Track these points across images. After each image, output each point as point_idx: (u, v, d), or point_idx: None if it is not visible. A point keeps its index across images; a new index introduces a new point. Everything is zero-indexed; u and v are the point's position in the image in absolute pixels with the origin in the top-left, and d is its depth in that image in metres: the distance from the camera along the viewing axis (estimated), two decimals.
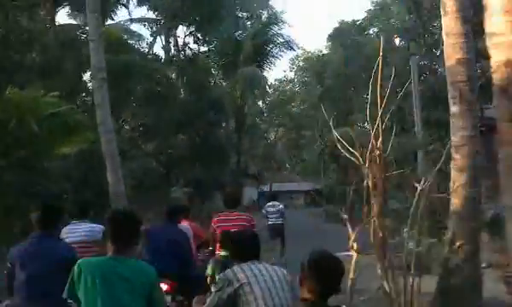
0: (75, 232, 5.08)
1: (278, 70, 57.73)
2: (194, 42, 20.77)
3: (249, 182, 39.94)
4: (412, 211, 5.26)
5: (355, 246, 5.05)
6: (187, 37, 20.34)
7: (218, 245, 5.33)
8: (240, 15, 24.57)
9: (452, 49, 6.46)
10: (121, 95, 15.05)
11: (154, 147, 18.56)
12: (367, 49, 27.75)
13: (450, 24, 6.44)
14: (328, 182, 29.41)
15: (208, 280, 4.87)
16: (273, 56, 24.46)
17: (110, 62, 11.69)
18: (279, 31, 24.36)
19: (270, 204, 11.18)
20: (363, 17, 29.22)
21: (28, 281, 3.48)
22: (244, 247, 3.38)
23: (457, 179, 6.39)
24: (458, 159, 6.41)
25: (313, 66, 33.38)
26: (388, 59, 29.82)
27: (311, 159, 38.76)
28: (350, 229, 5.28)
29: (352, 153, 5.61)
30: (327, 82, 29.85)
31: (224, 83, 24.30)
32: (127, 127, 17.03)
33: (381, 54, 5.67)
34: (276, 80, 45.61)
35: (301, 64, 44.98)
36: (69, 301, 2.76)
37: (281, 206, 11.01)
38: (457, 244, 6.35)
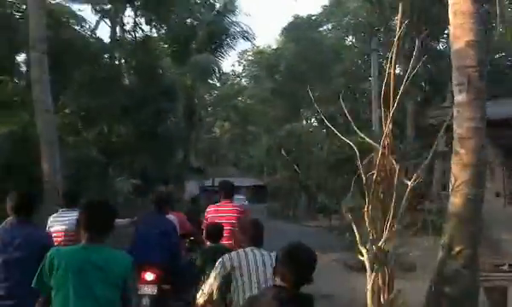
0: (62, 220, 5.03)
1: (226, 64, 57.03)
2: (147, 22, 19.17)
3: (192, 177, 38.61)
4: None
5: None
6: (138, 18, 18.71)
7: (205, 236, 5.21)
8: (193, 1, 23.21)
9: (461, 30, 5.76)
10: (61, 76, 13.51)
11: (96, 135, 16.89)
12: (321, 45, 27.53)
13: (458, 1, 5.77)
14: (274, 179, 28.80)
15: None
16: (228, 46, 23.36)
17: (49, 40, 10.41)
18: (235, 21, 23.33)
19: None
20: (318, 12, 28.92)
21: (2, 268, 3.43)
22: (246, 235, 3.63)
23: (460, 176, 5.73)
24: (463, 154, 5.74)
25: (266, 60, 32.54)
26: (343, 55, 29.87)
27: (257, 154, 38.07)
28: None
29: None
30: (279, 76, 29.18)
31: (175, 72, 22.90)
32: (66, 111, 15.27)
33: None
34: (223, 74, 44.46)
35: (250, 58, 44.30)
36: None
37: (245, 201, 9.99)
38: (456, 249, 5.76)
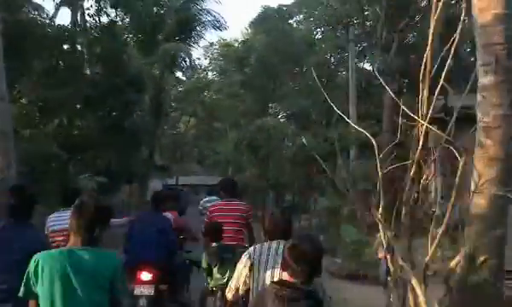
0: (61, 219, 4.92)
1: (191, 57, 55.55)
2: (112, 5, 17.76)
3: (156, 175, 37.23)
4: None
5: None
6: (102, 1, 17.27)
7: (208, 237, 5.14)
8: None
9: (487, 1, 5.11)
10: (18, 62, 12.24)
11: (56, 128, 15.52)
12: (292, 36, 26.81)
13: None
14: (241, 177, 27.86)
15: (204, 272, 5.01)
16: (198, 35, 22.22)
17: (5, 22, 9.29)
18: (205, 8, 22.21)
19: (206, 199, 10.60)
20: (290, 3, 28.03)
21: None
22: (272, 228, 3.61)
23: (485, 173, 5.04)
24: (489, 146, 5.07)
25: (234, 53, 31.50)
26: (317, 47, 29.27)
27: (224, 150, 37.05)
28: None
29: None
30: (249, 69, 28.26)
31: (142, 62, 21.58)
32: (23, 101, 13.89)
33: None
34: (192, 66, 43.06)
35: (217, 51, 43.12)
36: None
37: (218, 200, 9.58)
38: (481, 259, 5.11)
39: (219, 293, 4.80)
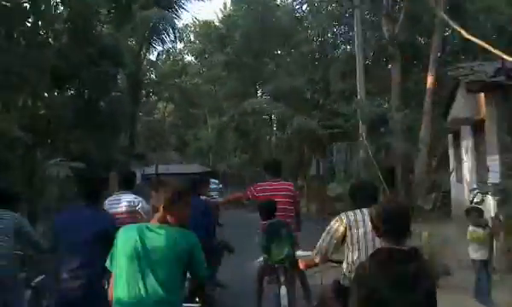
0: (118, 203, 5.24)
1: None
2: None
3: (135, 163, 34.82)
4: None
5: None
6: None
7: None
8: None
9: None
10: None
11: (19, 109, 13.08)
12: (277, 10, 24.86)
13: None
14: (228, 164, 25.87)
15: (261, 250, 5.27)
16: (179, 5, 19.75)
17: None
18: None
19: None
20: None
21: (68, 250, 3.56)
22: (359, 197, 3.77)
23: None
24: None
25: (216, 30, 29.08)
26: (307, 23, 27.36)
27: (205, 137, 34.90)
28: None
29: None
30: (232, 48, 26.03)
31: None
32: None
33: None
34: (162, 52, 40.44)
35: (193, 32, 40.68)
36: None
37: (219, 185, 10.82)
38: None
39: (282, 268, 5.10)
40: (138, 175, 32.56)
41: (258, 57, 26.42)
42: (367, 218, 3.28)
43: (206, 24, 33.93)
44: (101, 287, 3.55)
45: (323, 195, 21.17)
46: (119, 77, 19.63)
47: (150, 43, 16.88)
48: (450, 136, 14.25)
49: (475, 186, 7.44)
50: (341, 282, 3.63)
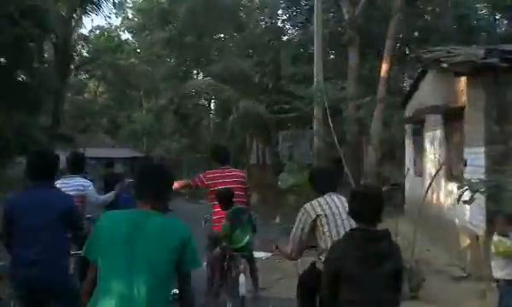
0: (68, 186, 4.91)
1: (100, 15, 48.68)
2: None
3: (59, 146, 31.82)
4: None
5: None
6: None
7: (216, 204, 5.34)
8: None
9: None
10: None
11: None
12: None
13: None
14: (169, 148, 23.98)
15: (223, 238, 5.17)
16: None
17: None
18: None
19: None
20: None
21: (27, 232, 3.37)
22: (322, 181, 3.88)
23: None
24: None
25: (158, 5, 26.70)
26: (256, 3, 25.96)
27: (140, 120, 32.56)
28: None
29: None
30: (174, 26, 24.03)
31: None
32: None
33: None
34: (96, 28, 37.39)
35: (131, 10, 37.97)
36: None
37: None
38: None
39: (240, 256, 5.13)
40: (63, 158, 29.86)
41: (202, 37, 24.66)
42: (336, 203, 3.65)
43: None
44: (66, 272, 3.59)
45: (266, 185, 20.22)
46: (45, 47, 17.24)
47: (83, 8, 14.50)
48: (408, 127, 13.55)
49: (465, 182, 6.45)
50: (316, 266, 3.74)
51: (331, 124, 10.58)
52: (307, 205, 3.71)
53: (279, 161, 20.46)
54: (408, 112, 12.98)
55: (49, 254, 3.36)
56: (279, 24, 24.36)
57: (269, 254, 8.51)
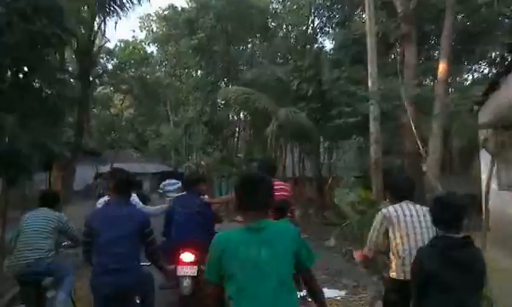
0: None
1: (124, 28, 48.09)
2: None
3: (85, 161, 30.63)
4: None
5: None
6: None
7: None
8: None
9: None
10: None
11: None
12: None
13: None
14: (200, 161, 22.40)
15: None
16: None
17: None
18: None
19: (166, 182, 9.97)
20: None
21: (109, 244, 3.62)
22: (398, 189, 3.91)
23: None
24: None
25: (185, 13, 25.18)
26: (289, 2, 24.39)
27: (169, 134, 31.25)
28: None
29: None
30: (203, 33, 22.55)
31: None
32: None
33: None
34: (121, 41, 36.39)
35: (155, 23, 37.02)
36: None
37: (179, 183, 10.28)
38: None
39: None
40: (90, 173, 28.59)
41: (231, 44, 23.19)
42: (410, 210, 3.71)
43: (173, 8, 30.04)
44: (144, 279, 3.94)
45: (307, 200, 18.46)
46: (65, 55, 15.91)
47: (106, 8, 12.99)
48: (484, 132, 11.54)
49: None
50: (385, 274, 3.92)
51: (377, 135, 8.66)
52: (384, 210, 3.81)
53: (320, 174, 18.62)
54: (484, 116, 11.05)
55: (128, 263, 3.66)
56: (309, 30, 22.82)
57: (342, 293, 6.80)
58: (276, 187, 5.19)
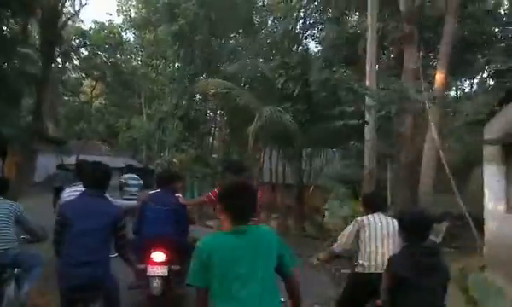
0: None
1: (101, 12, 45.36)
2: None
3: (48, 149, 28.51)
4: None
5: None
6: None
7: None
8: None
9: None
10: None
11: None
12: None
13: None
14: (172, 159, 20.76)
15: None
16: None
17: None
18: None
19: (128, 175, 10.41)
20: None
21: (82, 236, 3.60)
22: (372, 203, 4.45)
23: None
24: None
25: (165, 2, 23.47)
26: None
27: (141, 127, 29.44)
28: None
29: None
30: (184, 19, 20.96)
31: None
32: None
33: None
34: (95, 22, 34.22)
35: (134, 8, 35.12)
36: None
37: (141, 181, 10.45)
38: None
39: None
40: (53, 163, 26.56)
41: (214, 36, 21.71)
42: (380, 220, 4.24)
43: None
44: (110, 274, 3.84)
45: (286, 208, 17.24)
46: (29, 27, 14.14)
47: None
48: (489, 149, 10.49)
49: None
50: (356, 270, 4.22)
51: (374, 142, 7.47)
52: (358, 219, 4.33)
53: (302, 181, 17.35)
54: (491, 132, 9.98)
55: (98, 256, 3.62)
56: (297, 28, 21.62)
57: None
58: None
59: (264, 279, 2.40)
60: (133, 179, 10.34)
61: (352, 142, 15.67)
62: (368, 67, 11.42)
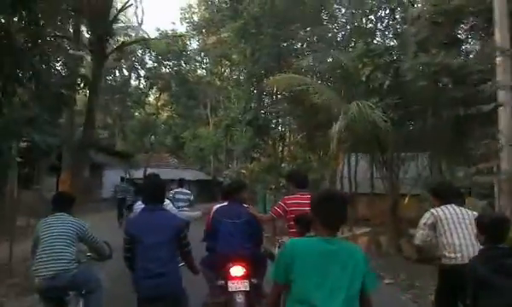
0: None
1: (163, 19, 45.02)
2: None
3: (113, 163, 27.67)
4: None
5: None
6: None
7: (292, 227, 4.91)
8: None
9: None
10: None
11: None
12: None
13: None
14: (240, 170, 18.79)
15: None
16: None
17: None
18: None
19: (178, 190, 10.36)
20: None
21: (152, 249, 3.67)
22: (443, 193, 4.43)
23: None
24: None
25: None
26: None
27: (207, 136, 27.90)
28: None
29: None
30: (249, 13, 18.97)
31: None
32: None
33: None
34: (159, 31, 33.31)
35: (196, 15, 33.92)
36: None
37: (191, 196, 10.35)
38: None
39: None
40: (117, 178, 25.52)
41: (280, 29, 19.53)
42: (455, 211, 4.21)
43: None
44: (181, 284, 3.90)
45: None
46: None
47: None
48: None
49: None
50: (442, 261, 4.19)
51: None
52: (433, 210, 4.30)
53: (396, 190, 14.57)
54: None
55: (169, 267, 3.72)
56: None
57: None
58: (307, 201, 4.24)
59: (349, 293, 2.31)
60: (182, 194, 10.43)
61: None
62: (497, 33, 8.53)
